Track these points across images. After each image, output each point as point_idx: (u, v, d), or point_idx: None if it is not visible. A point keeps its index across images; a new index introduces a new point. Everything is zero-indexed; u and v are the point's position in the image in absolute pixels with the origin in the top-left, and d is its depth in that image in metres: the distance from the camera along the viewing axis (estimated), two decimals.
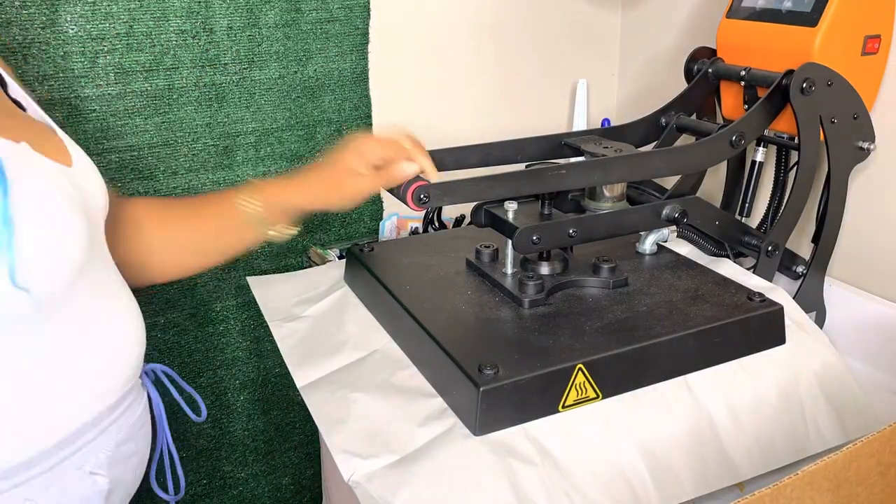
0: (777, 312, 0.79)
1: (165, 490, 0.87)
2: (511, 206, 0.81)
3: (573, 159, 0.95)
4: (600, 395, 0.69)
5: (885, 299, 0.94)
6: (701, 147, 0.87)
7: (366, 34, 1.14)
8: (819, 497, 0.59)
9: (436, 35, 1.21)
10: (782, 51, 0.90)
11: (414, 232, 1.22)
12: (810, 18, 0.87)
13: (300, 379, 0.77)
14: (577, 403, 0.68)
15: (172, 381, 0.86)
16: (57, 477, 0.66)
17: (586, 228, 0.82)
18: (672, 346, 0.73)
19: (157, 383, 0.85)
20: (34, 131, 0.66)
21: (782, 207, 0.95)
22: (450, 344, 0.71)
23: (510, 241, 0.80)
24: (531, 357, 0.68)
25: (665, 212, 0.86)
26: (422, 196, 0.73)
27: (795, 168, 0.91)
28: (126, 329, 0.72)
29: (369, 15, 1.14)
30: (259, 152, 1.11)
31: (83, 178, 0.69)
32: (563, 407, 0.68)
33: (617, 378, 0.70)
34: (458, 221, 1.22)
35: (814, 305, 0.96)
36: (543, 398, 0.67)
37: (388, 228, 1.24)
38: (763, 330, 0.78)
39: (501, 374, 0.65)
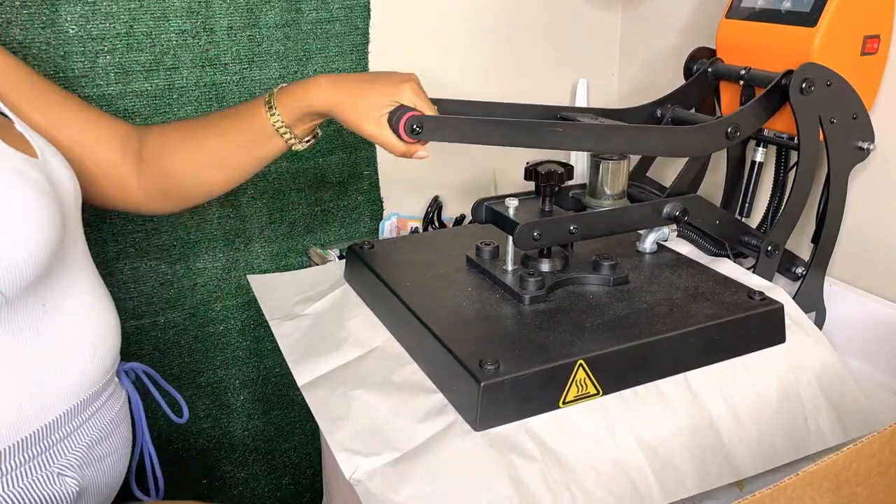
0: (777, 311, 0.79)
1: (146, 492, 0.85)
2: (512, 203, 0.81)
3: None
4: (601, 392, 0.69)
5: (886, 299, 0.94)
6: (697, 132, 0.86)
7: (366, 34, 1.15)
8: (819, 497, 0.59)
9: (436, 35, 1.21)
10: (782, 51, 0.90)
11: (414, 231, 1.23)
12: (809, 18, 0.87)
13: (301, 377, 0.77)
14: (577, 399, 0.68)
15: (154, 382, 0.85)
16: (22, 477, 0.64)
17: (587, 225, 0.82)
18: (672, 344, 0.73)
19: (139, 383, 0.84)
20: None
21: (782, 207, 0.95)
22: (450, 340, 0.71)
23: (511, 238, 0.80)
24: (532, 353, 0.68)
25: (666, 210, 0.87)
26: (414, 126, 0.73)
27: (795, 168, 0.91)
28: (94, 324, 0.72)
29: (369, 15, 1.14)
30: None
31: (50, 168, 0.69)
32: (564, 403, 0.68)
33: (617, 374, 0.70)
34: (459, 221, 1.22)
35: (814, 305, 0.96)
36: (544, 394, 0.67)
37: (388, 228, 1.24)
38: (763, 328, 0.79)
39: (502, 369, 0.65)
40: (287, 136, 0.82)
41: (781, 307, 0.79)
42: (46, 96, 0.78)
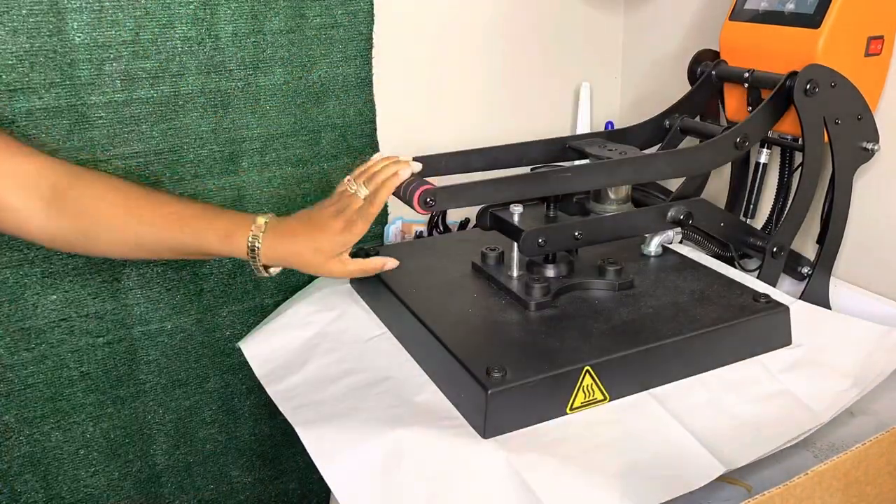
0: (783, 314, 0.79)
1: None
2: (516, 209, 0.81)
3: (577, 162, 0.95)
4: (608, 398, 0.69)
5: (891, 300, 0.94)
6: (705, 149, 0.87)
7: (370, 39, 1.15)
8: (829, 497, 0.59)
9: (439, 40, 1.21)
10: (786, 53, 0.90)
11: (419, 236, 1.23)
12: (813, 20, 0.87)
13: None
14: (584, 405, 0.68)
15: None
16: None
17: (592, 231, 0.82)
18: (678, 348, 0.73)
19: None
20: None
21: (787, 209, 0.95)
22: (457, 347, 0.71)
23: (516, 245, 0.80)
24: (538, 359, 0.69)
25: (671, 213, 0.87)
26: (428, 199, 0.74)
27: (800, 169, 0.91)
28: None
29: (373, 20, 1.14)
30: (264, 158, 1.12)
31: None
32: (571, 409, 0.68)
33: (624, 380, 0.71)
34: (463, 225, 1.22)
35: (819, 306, 0.96)
36: (551, 400, 0.67)
37: (392, 233, 1.24)
38: (769, 331, 0.79)
39: (509, 376, 0.66)
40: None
41: (787, 309, 0.80)
42: None
